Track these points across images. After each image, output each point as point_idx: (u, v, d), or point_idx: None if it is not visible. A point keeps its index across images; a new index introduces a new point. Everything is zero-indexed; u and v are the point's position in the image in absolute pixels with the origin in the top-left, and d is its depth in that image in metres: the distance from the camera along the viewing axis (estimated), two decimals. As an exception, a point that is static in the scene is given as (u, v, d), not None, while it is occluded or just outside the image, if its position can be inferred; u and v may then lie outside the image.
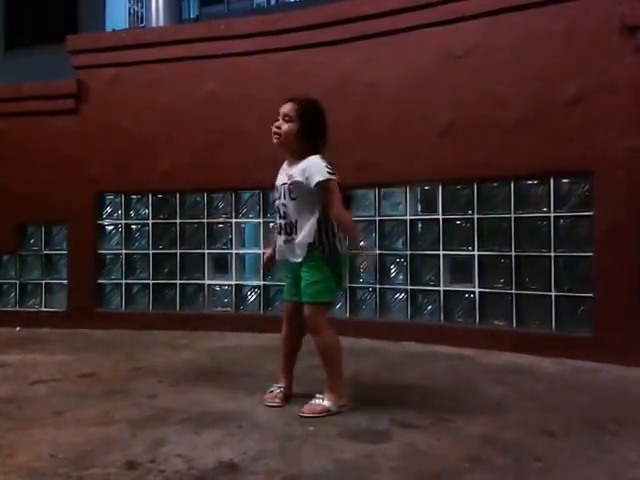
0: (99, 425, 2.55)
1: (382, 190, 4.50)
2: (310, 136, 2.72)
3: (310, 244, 2.68)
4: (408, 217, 4.39)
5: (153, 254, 5.08)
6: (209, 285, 4.98)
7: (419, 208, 4.49)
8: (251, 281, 4.94)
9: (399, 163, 4.31)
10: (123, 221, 5.14)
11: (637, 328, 3.52)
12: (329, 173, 2.64)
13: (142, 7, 11.70)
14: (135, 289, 5.14)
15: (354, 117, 4.33)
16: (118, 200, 5.16)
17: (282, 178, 2.79)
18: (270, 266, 3.13)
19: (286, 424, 2.53)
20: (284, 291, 2.92)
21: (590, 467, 2.10)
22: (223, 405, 2.79)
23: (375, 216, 4.49)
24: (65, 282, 5.18)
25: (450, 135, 4.14)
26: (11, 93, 5.29)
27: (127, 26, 12.46)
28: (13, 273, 5.35)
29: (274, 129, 2.74)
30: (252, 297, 4.91)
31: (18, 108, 5.19)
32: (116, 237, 5.17)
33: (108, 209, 5.20)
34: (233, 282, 4.90)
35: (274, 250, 2.90)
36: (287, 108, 2.73)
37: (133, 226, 5.18)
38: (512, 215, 3.99)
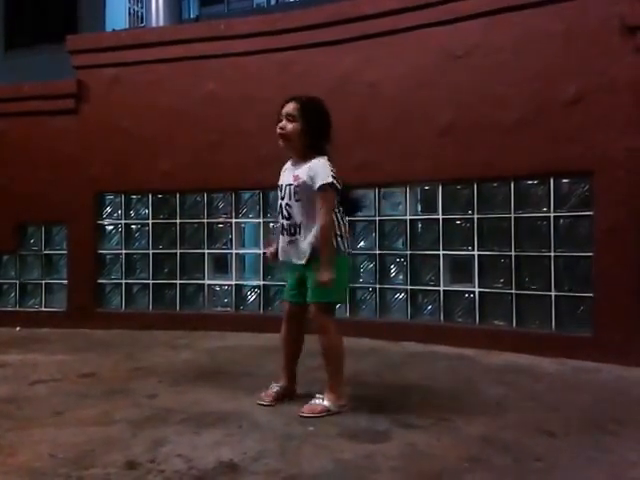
0: (99, 425, 2.55)
1: (382, 190, 4.50)
2: (314, 135, 2.71)
3: (316, 246, 2.66)
4: (408, 217, 4.39)
5: (153, 254, 5.08)
6: (209, 285, 4.98)
7: (419, 208, 4.49)
8: (251, 281, 4.94)
9: (399, 163, 4.31)
10: (123, 221, 5.14)
11: (637, 328, 3.52)
12: (333, 178, 2.63)
13: (142, 7, 11.71)
14: (135, 289, 5.14)
15: (354, 117, 4.32)
16: (118, 200, 5.16)
17: (287, 178, 2.76)
18: (275, 261, 2.95)
19: (286, 424, 2.53)
20: (284, 291, 2.92)
21: (590, 467, 2.10)
22: (223, 405, 2.79)
23: (375, 216, 4.48)
24: (65, 282, 5.18)
25: (450, 135, 4.14)
26: (11, 93, 5.29)
27: (127, 26, 12.46)
28: (13, 273, 5.35)
29: (278, 130, 2.73)
30: (252, 297, 4.91)
31: (18, 108, 5.19)
32: (116, 237, 5.17)
33: (108, 209, 5.20)
34: (233, 282, 4.90)
35: (276, 250, 2.85)
36: (290, 108, 2.72)
37: (133, 226, 5.18)
38: (512, 215, 3.99)
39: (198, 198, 5.02)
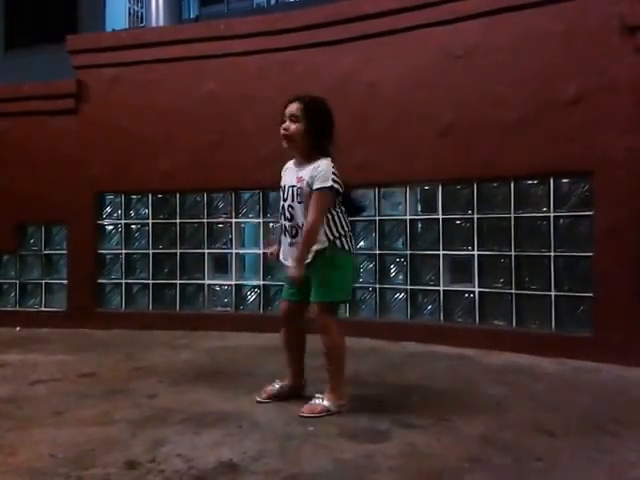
0: (99, 425, 2.55)
1: (382, 190, 4.50)
2: (318, 134, 2.69)
3: (318, 247, 2.65)
4: (408, 217, 4.39)
5: (153, 254, 5.08)
6: (209, 285, 4.98)
7: (419, 208, 4.49)
8: (251, 281, 4.94)
9: (399, 163, 4.31)
10: (123, 221, 5.14)
11: (637, 328, 3.52)
12: (334, 181, 2.62)
13: (142, 7, 11.71)
14: (135, 289, 5.14)
15: (354, 117, 4.32)
16: (118, 200, 5.16)
17: (290, 179, 2.74)
18: (276, 261, 2.93)
19: (286, 424, 2.53)
20: (283, 290, 2.91)
21: (590, 467, 2.10)
22: (223, 405, 2.79)
23: (375, 216, 4.49)
24: (65, 282, 5.18)
25: (450, 135, 4.14)
26: (11, 93, 5.29)
27: (127, 26, 12.46)
28: (13, 273, 5.35)
29: (282, 131, 2.71)
30: (252, 297, 4.91)
31: (18, 108, 5.19)
32: (116, 237, 5.17)
33: (108, 209, 5.20)
34: (233, 282, 4.90)
35: (278, 249, 2.84)
36: (293, 108, 2.70)
37: (133, 226, 5.18)
38: (512, 215, 3.99)
39: (198, 198, 5.02)
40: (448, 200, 4.26)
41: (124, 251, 5.12)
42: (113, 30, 9.92)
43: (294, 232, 2.71)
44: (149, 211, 5.10)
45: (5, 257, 5.40)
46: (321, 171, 2.63)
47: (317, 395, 2.69)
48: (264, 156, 4.33)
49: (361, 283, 4.55)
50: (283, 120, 2.72)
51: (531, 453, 2.21)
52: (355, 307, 4.57)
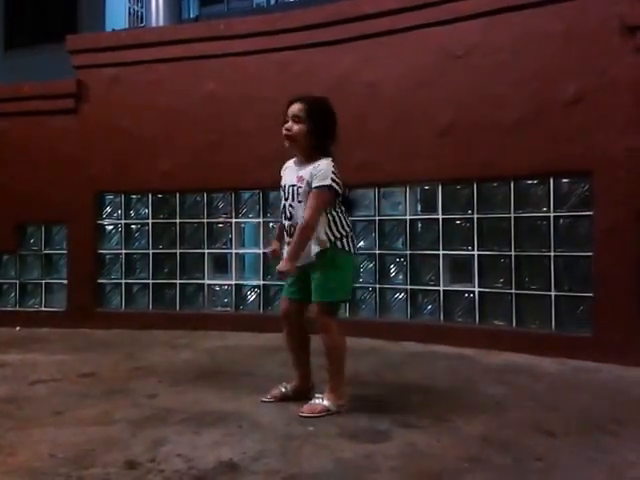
0: (99, 425, 2.55)
1: (382, 190, 4.50)
2: (320, 135, 2.69)
3: (320, 248, 2.64)
4: (408, 217, 4.39)
5: (153, 254, 5.08)
6: (209, 285, 4.98)
7: (419, 208, 4.49)
8: (251, 281, 4.94)
9: (399, 163, 4.31)
10: (123, 221, 5.14)
11: (637, 328, 3.52)
12: (333, 180, 2.62)
13: (142, 7, 11.71)
14: (135, 289, 5.14)
15: (354, 117, 4.31)
16: (118, 200, 5.16)
17: (290, 179, 2.74)
18: (277, 260, 2.91)
19: (286, 424, 2.53)
20: (284, 287, 2.90)
21: (590, 467, 2.10)
22: (223, 405, 2.79)
23: (375, 216, 4.49)
24: (65, 282, 5.18)
25: (450, 135, 4.14)
26: (11, 93, 5.29)
27: (127, 26, 12.46)
28: (13, 273, 5.35)
29: (284, 131, 2.70)
30: (252, 297, 4.91)
31: (18, 108, 5.19)
32: (116, 237, 5.17)
33: (108, 209, 5.20)
34: (233, 282, 4.91)
35: (279, 248, 2.84)
36: (296, 109, 2.69)
37: (133, 226, 5.18)
38: (512, 215, 3.99)
39: (198, 198, 5.02)
40: (448, 200, 4.26)
41: (124, 251, 5.12)
42: (113, 30, 9.92)
43: (293, 231, 2.70)
44: (149, 211, 5.10)
45: (5, 257, 5.40)
46: (321, 170, 2.63)
47: (317, 395, 2.69)
48: (264, 156, 4.33)
49: (361, 283, 4.55)
50: (285, 120, 2.72)
51: (531, 453, 2.21)
52: (355, 307, 4.57)
